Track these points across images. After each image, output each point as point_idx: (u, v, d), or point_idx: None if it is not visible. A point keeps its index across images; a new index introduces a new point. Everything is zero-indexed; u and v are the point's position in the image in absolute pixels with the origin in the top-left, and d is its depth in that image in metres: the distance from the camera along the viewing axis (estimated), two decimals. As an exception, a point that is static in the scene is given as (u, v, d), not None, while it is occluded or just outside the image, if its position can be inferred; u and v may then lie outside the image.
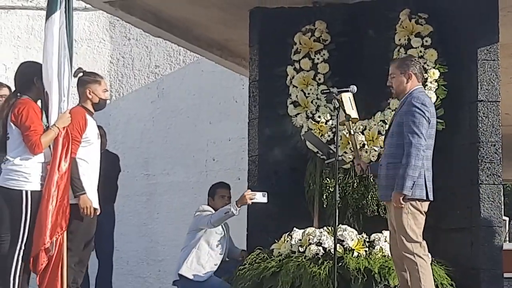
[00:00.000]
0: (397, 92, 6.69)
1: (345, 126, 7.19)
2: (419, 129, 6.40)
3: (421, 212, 6.48)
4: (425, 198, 6.48)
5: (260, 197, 7.82)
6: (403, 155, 6.39)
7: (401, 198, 6.35)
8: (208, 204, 8.30)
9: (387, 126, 7.12)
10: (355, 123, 7.48)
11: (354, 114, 6.96)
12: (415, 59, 6.83)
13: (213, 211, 8.07)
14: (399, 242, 6.43)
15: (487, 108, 7.63)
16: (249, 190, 7.92)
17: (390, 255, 6.84)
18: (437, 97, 7.66)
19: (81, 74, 6.82)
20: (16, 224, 6.30)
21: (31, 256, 6.30)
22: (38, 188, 6.34)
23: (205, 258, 8.01)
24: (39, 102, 6.58)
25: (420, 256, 6.40)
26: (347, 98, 6.91)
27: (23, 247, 6.27)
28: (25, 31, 12.43)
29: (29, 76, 6.56)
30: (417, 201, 6.44)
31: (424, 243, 6.50)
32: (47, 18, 6.67)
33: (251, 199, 7.81)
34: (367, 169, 7.01)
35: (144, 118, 12.31)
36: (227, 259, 8.25)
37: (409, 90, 6.62)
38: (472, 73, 7.69)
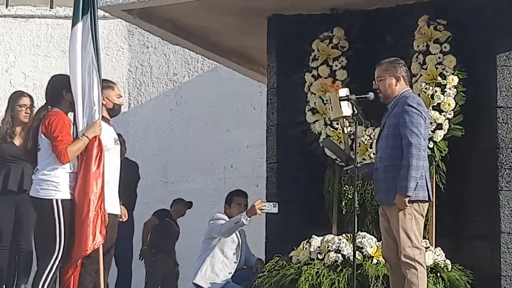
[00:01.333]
0: (385, 95, 6.57)
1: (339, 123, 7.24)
2: (418, 129, 6.31)
3: (422, 216, 6.42)
4: (427, 199, 6.44)
5: (271, 208, 7.76)
6: (402, 156, 6.31)
7: (406, 200, 6.26)
8: (225, 212, 8.31)
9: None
10: (348, 120, 7.46)
11: (347, 111, 6.96)
12: (402, 62, 6.70)
13: (227, 219, 8.08)
14: (401, 247, 6.29)
15: (506, 114, 7.59)
16: (259, 200, 7.87)
17: (385, 261, 6.74)
18: (456, 104, 7.64)
19: None
20: (50, 233, 6.35)
21: (72, 264, 6.35)
22: (68, 196, 6.40)
23: (219, 267, 8.01)
24: (71, 115, 6.63)
25: (420, 263, 6.30)
26: (344, 94, 6.94)
27: (59, 256, 6.31)
28: (44, 40, 12.49)
29: (59, 89, 6.63)
30: (419, 204, 6.36)
31: (423, 250, 6.44)
32: (71, 30, 6.73)
33: (261, 209, 7.78)
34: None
35: (162, 126, 12.34)
36: (244, 266, 8.25)
37: (398, 92, 6.54)
38: (491, 79, 7.66)
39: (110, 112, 6.90)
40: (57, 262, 6.30)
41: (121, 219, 7.08)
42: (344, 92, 7.05)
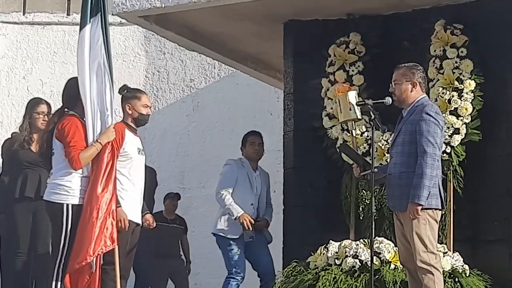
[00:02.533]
0: (399, 99, 6.56)
1: (348, 126, 7.27)
2: (434, 138, 6.31)
3: (436, 222, 6.42)
4: (440, 208, 6.42)
5: (248, 235, 8.23)
6: (416, 164, 6.31)
7: (418, 208, 6.26)
8: (242, 153, 8.63)
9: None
10: (356, 123, 7.47)
11: (353, 114, 6.96)
12: (421, 68, 6.68)
13: (232, 164, 8.53)
14: (416, 252, 6.29)
15: (524, 119, 7.58)
16: (250, 219, 8.21)
17: (403, 267, 6.74)
18: (474, 108, 7.62)
19: (125, 91, 6.92)
20: (57, 237, 6.37)
21: (68, 271, 6.33)
22: (78, 202, 6.41)
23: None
24: None
25: (436, 268, 6.29)
26: (353, 97, 6.94)
27: (63, 260, 6.32)
28: (61, 47, 12.53)
29: (74, 92, 6.65)
30: (433, 210, 6.36)
31: (439, 254, 6.41)
32: (79, 32, 6.73)
33: (247, 225, 8.16)
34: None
35: (179, 132, 12.35)
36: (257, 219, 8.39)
37: (413, 99, 6.52)
38: (509, 83, 7.64)
39: (136, 122, 6.92)
40: (61, 266, 6.31)
41: (151, 226, 7.69)
42: (353, 95, 7.05)
